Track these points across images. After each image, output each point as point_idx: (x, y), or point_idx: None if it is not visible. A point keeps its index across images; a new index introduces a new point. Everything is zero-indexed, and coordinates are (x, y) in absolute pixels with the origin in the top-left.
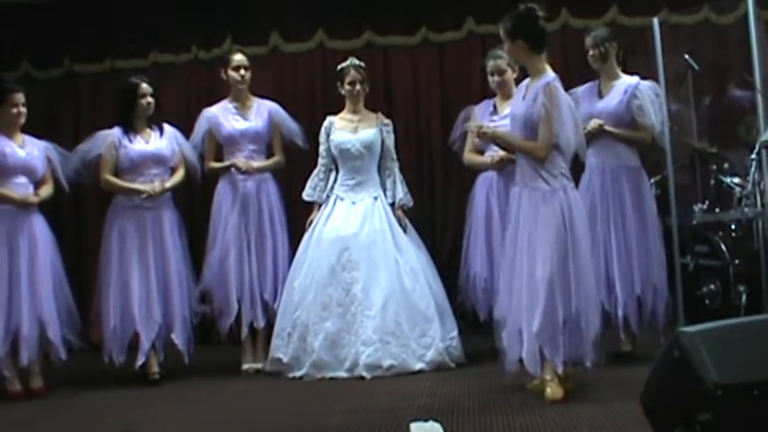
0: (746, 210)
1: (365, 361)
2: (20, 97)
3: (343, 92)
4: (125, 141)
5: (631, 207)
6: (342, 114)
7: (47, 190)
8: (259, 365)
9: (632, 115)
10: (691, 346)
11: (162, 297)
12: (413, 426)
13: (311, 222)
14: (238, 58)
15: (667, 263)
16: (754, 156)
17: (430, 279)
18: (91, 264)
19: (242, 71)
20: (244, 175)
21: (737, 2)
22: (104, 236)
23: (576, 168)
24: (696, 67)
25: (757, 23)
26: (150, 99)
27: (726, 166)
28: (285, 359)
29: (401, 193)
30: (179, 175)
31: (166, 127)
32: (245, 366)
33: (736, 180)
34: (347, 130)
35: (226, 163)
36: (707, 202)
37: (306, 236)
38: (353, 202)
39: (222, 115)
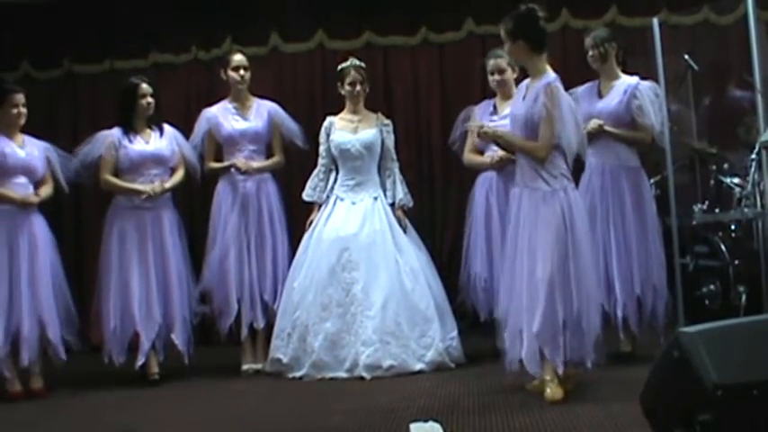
0: (746, 210)
1: (365, 361)
2: (20, 98)
3: (343, 92)
4: (125, 142)
5: (631, 207)
6: (342, 115)
7: (46, 190)
8: (259, 366)
9: (632, 115)
10: (690, 346)
11: (162, 297)
12: (412, 426)
13: (311, 223)
14: (238, 58)
15: (667, 263)
16: (753, 156)
17: (430, 279)
18: (91, 264)
19: (241, 71)
20: (243, 176)
21: (737, 2)
22: (104, 236)
23: (576, 168)
24: (696, 67)
25: (757, 24)
26: (150, 99)
27: (725, 166)
28: (285, 359)
29: (401, 193)
30: (179, 175)
31: (166, 127)
32: (245, 367)
33: (736, 180)
34: (347, 130)
35: (225, 163)
36: (707, 202)
37: (306, 236)
38: (353, 203)
39: (222, 115)
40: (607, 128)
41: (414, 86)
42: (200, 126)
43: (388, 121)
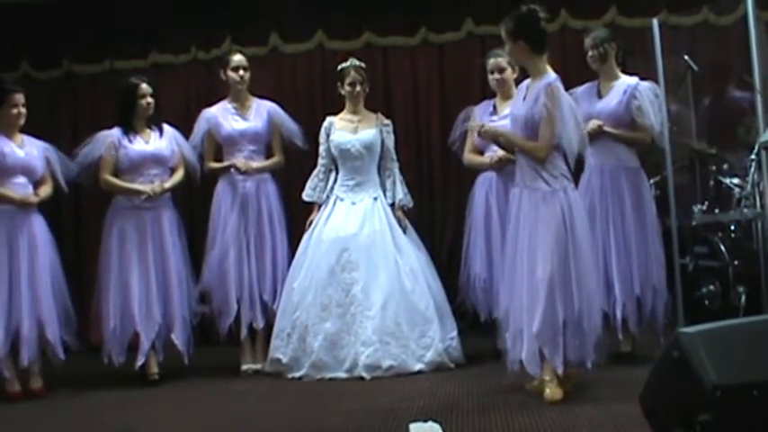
0: (746, 210)
1: (364, 361)
2: (20, 98)
3: (343, 92)
4: (125, 142)
5: (631, 208)
6: (342, 115)
7: (46, 190)
8: (258, 366)
9: (631, 116)
10: (690, 346)
11: (162, 297)
12: (412, 426)
13: (311, 223)
14: (237, 58)
15: (667, 263)
16: (753, 156)
17: (429, 280)
18: (91, 264)
19: (241, 72)
20: (243, 176)
21: (737, 3)
22: (104, 236)
23: (576, 169)
24: (695, 67)
25: (756, 24)
26: (150, 99)
27: (725, 166)
28: (284, 360)
29: (401, 193)
30: (178, 175)
31: (166, 127)
32: (245, 367)
33: (736, 181)
34: (347, 130)
35: (225, 163)
36: (706, 202)
37: (305, 236)
38: (353, 203)
39: (222, 116)
40: (606, 128)
41: (413, 87)
42: (200, 126)
43: (387, 122)
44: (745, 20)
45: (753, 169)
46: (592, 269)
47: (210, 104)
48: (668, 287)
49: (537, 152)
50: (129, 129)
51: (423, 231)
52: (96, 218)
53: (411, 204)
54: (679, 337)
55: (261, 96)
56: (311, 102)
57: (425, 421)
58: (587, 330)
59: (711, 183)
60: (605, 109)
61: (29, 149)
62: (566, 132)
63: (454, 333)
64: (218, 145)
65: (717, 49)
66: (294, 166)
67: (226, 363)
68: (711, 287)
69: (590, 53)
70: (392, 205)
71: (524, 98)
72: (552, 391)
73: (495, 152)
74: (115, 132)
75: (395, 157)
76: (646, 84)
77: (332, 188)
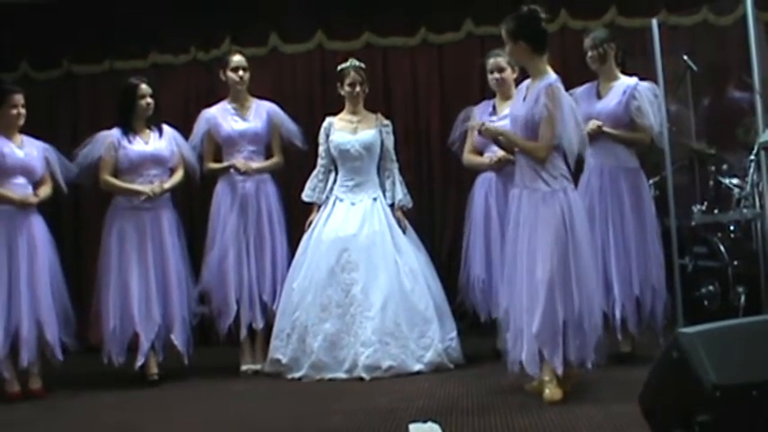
0: (745, 211)
1: (364, 362)
2: (19, 98)
3: (342, 93)
4: (124, 142)
5: (630, 208)
6: (341, 115)
7: (46, 190)
8: (258, 366)
9: (631, 116)
10: (689, 346)
11: (161, 298)
12: (412, 427)
13: (310, 223)
14: (237, 59)
15: (666, 264)
16: (752, 157)
17: (429, 280)
18: (90, 265)
19: (240, 72)
20: (243, 176)
21: (736, 3)
22: (103, 236)
23: (575, 169)
24: (695, 68)
25: (756, 24)
26: (149, 100)
27: (724, 167)
28: (284, 360)
29: (400, 194)
30: (178, 175)
31: (165, 128)
32: (244, 367)
33: (735, 181)
34: (347, 130)
35: (225, 164)
36: (706, 203)
37: (305, 237)
38: (353, 203)
39: (221, 116)
40: (606, 129)
41: (413, 87)
42: (200, 127)
43: (387, 122)
44: (744, 20)
45: (752, 169)
46: (592, 270)
47: (210, 105)
48: (667, 287)
49: (537, 152)
50: (129, 129)
51: (422, 232)
52: (96, 218)
53: (410, 205)
54: (678, 337)
55: (260, 97)
56: (311, 102)
57: (425, 422)
58: (588, 331)
59: (711, 183)
60: (605, 109)
61: (28, 150)
62: (566, 133)
63: (454, 333)
64: (217, 145)
65: (716, 50)
66: (294, 166)
67: (225, 363)
68: (711, 287)
69: (589, 53)
70: (392, 206)
71: (524, 98)
72: (552, 392)
73: (495, 153)
74: (115, 133)
75: (394, 157)
76: (645, 84)
77: (331, 189)
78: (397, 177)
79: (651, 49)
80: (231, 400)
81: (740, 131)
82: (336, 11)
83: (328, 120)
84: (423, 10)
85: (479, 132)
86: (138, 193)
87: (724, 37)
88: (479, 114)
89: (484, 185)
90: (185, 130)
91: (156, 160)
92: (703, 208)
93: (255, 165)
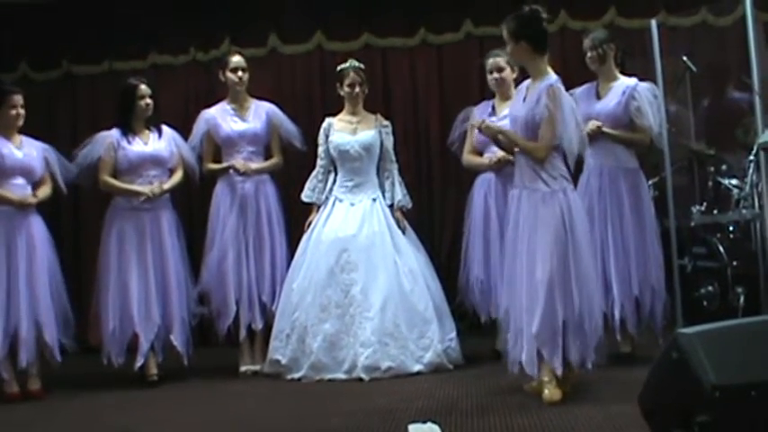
0: (744, 211)
1: (363, 363)
2: (18, 99)
3: (342, 93)
4: (124, 143)
5: (629, 208)
6: (341, 116)
7: (45, 191)
8: (257, 367)
9: (630, 117)
10: (689, 347)
11: (161, 298)
12: (411, 427)
13: (310, 224)
14: (236, 59)
15: (665, 264)
16: (751, 157)
17: (429, 280)
18: (90, 265)
19: (240, 73)
20: (242, 177)
21: (735, 4)
22: (103, 237)
23: (575, 170)
24: (694, 68)
25: (755, 25)
26: (149, 100)
27: (724, 167)
28: (283, 361)
29: (400, 194)
30: (177, 176)
31: (165, 128)
32: (244, 368)
33: (734, 182)
34: (346, 131)
35: (224, 164)
36: (705, 203)
37: (304, 237)
38: (352, 204)
39: (220, 117)
40: (605, 129)
41: (412, 87)
42: (199, 127)
43: (387, 123)
44: (743, 21)
45: (751, 170)
46: (592, 270)
47: (209, 105)
48: (667, 288)
49: (536, 152)
50: (128, 130)
51: (422, 232)
52: (95, 219)
53: (410, 205)
54: (678, 337)
55: (260, 97)
56: (310, 103)
57: (424, 422)
58: (589, 331)
59: (710, 183)
60: (604, 110)
61: (27, 150)
62: (566, 133)
63: (453, 334)
64: (216, 146)
65: (715, 50)
66: (293, 167)
67: (225, 364)
68: (710, 288)
69: (589, 54)
70: (391, 206)
71: (524, 99)
72: (551, 392)
73: (495, 153)
74: (114, 133)
75: (394, 158)
76: (644, 85)
77: (331, 189)
78: (397, 178)
79: (650, 49)
80: (230, 400)
81: (739, 132)
82: (335, 11)
83: (328, 120)
84: (422, 11)
85: (479, 130)
86: (137, 193)
87: (723, 37)
88: (479, 115)
89: (483, 186)
90: (185, 131)
91: (155, 161)
92: (702, 208)
93: (255, 165)
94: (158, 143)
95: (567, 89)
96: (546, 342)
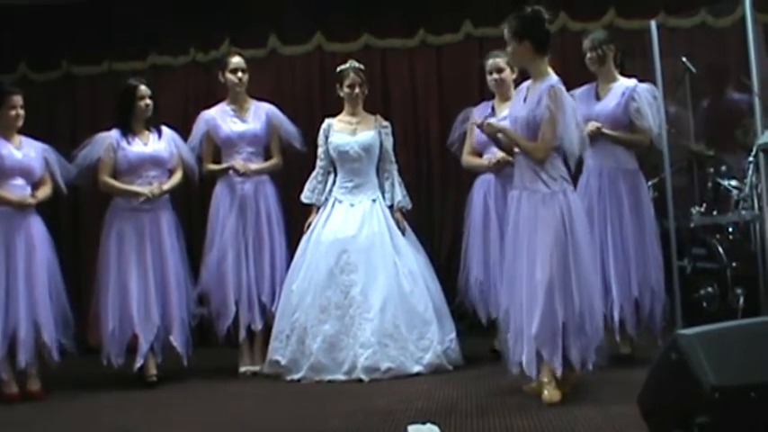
0: (744, 212)
1: (363, 364)
2: (17, 99)
3: (342, 94)
4: (123, 143)
5: (629, 210)
6: (340, 116)
7: (45, 191)
8: (257, 368)
9: (630, 118)
10: (688, 348)
11: (160, 299)
12: (410, 428)
13: (309, 225)
14: (236, 60)
15: (665, 265)
16: (751, 158)
17: (428, 281)
18: (89, 266)
19: (239, 74)
20: (242, 178)
21: (734, 5)
22: (102, 238)
23: (574, 170)
24: (693, 69)
25: (754, 26)
26: (148, 101)
27: (723, 168)
28: (283, 361)
29: (399, 195)
30: (177, 177)
31: (164, 129)
32: (243, 369)
33: (734, 183)
34: (346, 132)
35: (224, 165)
36: (704, 204)
37: (304, 238)
38: (352, 205)
39: (220, 117)
40: (605, 130)
41: (412, 88)
42: (199, 128)
43: (386, 123)
44: (742, 22)
45: (751, 171)
46: (592, 271)
47: (209, 106)
48: (666, 289)
49: (536, 152)
50: (128, 130)
51: (421, 233)
52: (95, 220)
53: (410, 206)
54: (677, 338)
55: (259, 98)
56: (310, 104)
57: (424, 423)
58: (590, 332)
59: (709, 185)
60: (604, 111)
61: (27, 151)
62: (567, 134)
63: (453, 335)
64: (216, 147)
65: (715, 51)
66: (293, 167)
67: (224, 364)
68: (709, 289)
69: (588, 55)
70: (391, 207)
71: (525, 99)
72: (550, 393)
73: (494, 154)
74: (114, 134)
75: (393, 158)
76: (644, 86)
77: (330, 190)
78: (396, 179)
79: (650, 50)
80: (230, 401)
81: (739, 133)
82: (335, 12)
83: (327, 121)
84: (421, 11)
85: (480, 128)
86: (137, 194)
87: (722, 39)
88: (478, 115)
89: (483, 187)
90: (184, 132)
91: (154, 161)
92: (702, 209)
93: (254, 166)
94: (158, 144)
95: (567, 90)
96: (546, 343)
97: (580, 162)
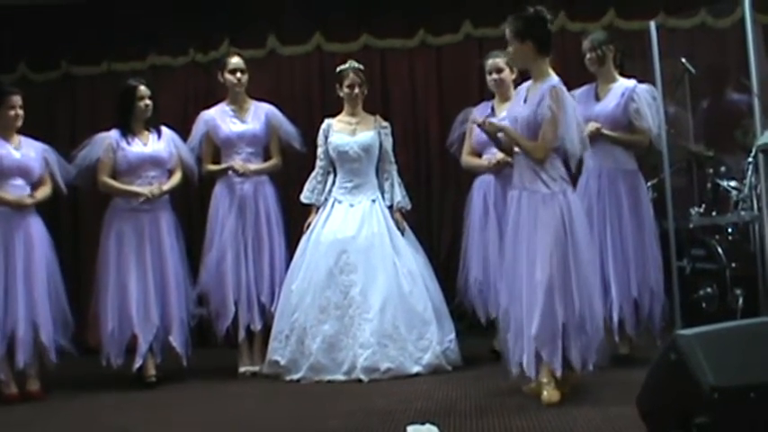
0: (743, 213)
1: (363, 364)
2: (17, 99)
3: (341, 94)
4: (123, 144)
5: (628, 210)
6: (340, 117)
7: (44, 192)
8: (256, 368)
9: (629, 118)
10: (687, 348)
11: (159, 299)
12: (410, 429)
13: (309, 225)
14: (235, 61)
15: (664, 266)
16: (750, 159)
17: (428, 282)
18: (89, 266)
19: (239, 74)
20: (241, 178)
21: (734, 5)
22: (102, 238)
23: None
24: (693, 70)
25: (754, 27)
26: (148, 101)
27: (722, 169)
28: (282, 362)
29: (399, 195)
30: (176, 177)
31: (164, 129)
32: (242, 369)
33: (733, 183)
34: (345, 132)
35: (223, 165)
36: (704, 205)
37: (303, 238)
38: (351, 205)
39: (219, 118)
40: (604, 131)
41: (411, 89)
42: (198, 128)
43: (386, 124)
44: (742, 22)
45: (750, 172)
46: (592, 272)
47: (208, 107)
48: (665, 290)
49: (536, 152)
50: (128, 131)
51: (421, 233)
52: (94, 220)
53: (409, 206)
54: (676, 339)
55: (259, 99)
56: (309, 104)
57: (423, 424)
58: (591, 333)
59: (709, 185)
60: (603, 111)
61: (25, 151)
62: (568, 135)
63: (452, 335)
64: (215, 147)
65: (714, 52)
66: (292, 168)
67: (223, 365)
68: (709, 290)
69: (588, 55)
70: (390, 207)
71: (525, 100)
72: (549, 394)
73: (494, 155)
74: (113, 134)
75: (393, 159)
76: (643, 86)
77: (330, 190)
78: (396, 179)
79: (649, 51)
80: (229, 401)
81: (738, 134)
82: (335, 13)
83: (327, 121)
84: (421, 12)
85: (480, 127)
86: (136, 194)
87: (722, 39)
88: (478, 116)
89: (482, 187)
90: (184, 132)
91: (154, 162)
92: (701, 210)
93: (254, 166)
94: (157, 144)
95: (567, 90)
96: (545, 343)
97: (579, 163)
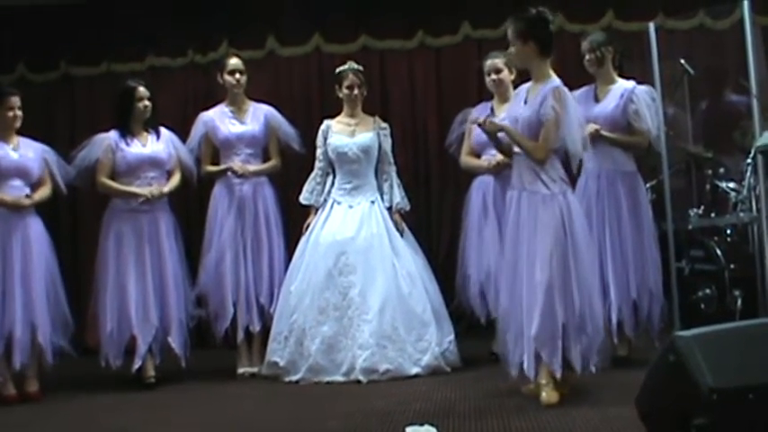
0: (742, 214)
1: (361, 365)
2: (15, 100)
3: (340, 95)
4: (122, 145)
5: (627, 212)
6: (339, 118)
7: (43, 192)
8: (255, 369)
9: (628, 120)
10: (686, 350)
11: (158, 300)
12: (408, 430)
13: (308, 226)
14: (234, 62)
15: (663, 267)
16: (749, 160)
17: (427, 283)
18: (88, 267)
19: (238, 75)
20: (240, 179)
21: (733, 7)
22: (101, 239)
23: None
24: (692, 71)
25: (752, 28)
26: (147, 102)
27: (721, 170)
28: (281, 363)
29: (398, 196)
30: (176, 179)
31: (163, 130)
32: (241, 370)
33: (732, 185)
34: (344, 133)
35: (222, 167)
36: (702, 206)
37: (303, 240)
38: (350, 206)
39: (218, 119)
40: (603, 132)
41: (410, 90)
42: (197, 129)
43: (385, 125)
44: (741, 24)
45: (749, 173)
46: (591, 273)
47: (207, 108)
48: (664, 291)
49: (536, 152)
50: (127, 132)
51: (420, 234)
52: (93, 221)
53: (408, 208)
54: (675, 340)
55: (258, 100)
56: (308, 105)
57: (422, 425)
58: (591, 334)
59: (708, 186)
60: (602, 113)
61: (24, 152)
62: (570, 135)
63: (451, 337)
64: (214, 148)
65: (713, 53)
66: (291, 169)
67: (222, 366)
68: (707, 291)
69: (587, 57)
70: (389, 208)
71: (525, 101)
72: (548, 395)
73: (493, 156)
74: (112, 135)
75: (392, 160)
76: (642, 88)
77: (329, 191)
78: (395, 180)
79: (648, 52)
80: (228, 402)
81: (737, 135)
82: (334, 14)
83: (326, 122)
84: (420, 13)
85: (481, 126)
86: (135, 195)
87: (721, 41)
88: (477, 116)
89: (481, 187)
90: (183, 133)
91: (153, 163)
92: (700, 211)
93: (253, 168)
94: (156, 145)
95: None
96: (545, 344)
97: (579, 164)
